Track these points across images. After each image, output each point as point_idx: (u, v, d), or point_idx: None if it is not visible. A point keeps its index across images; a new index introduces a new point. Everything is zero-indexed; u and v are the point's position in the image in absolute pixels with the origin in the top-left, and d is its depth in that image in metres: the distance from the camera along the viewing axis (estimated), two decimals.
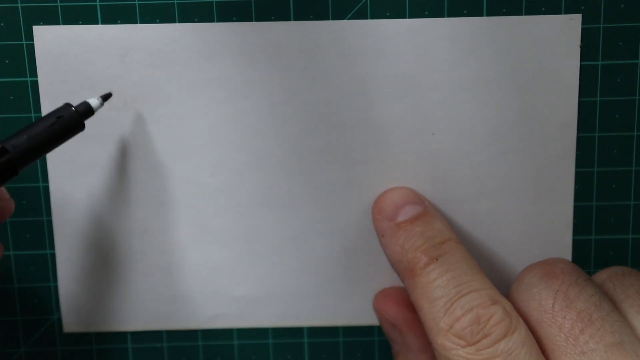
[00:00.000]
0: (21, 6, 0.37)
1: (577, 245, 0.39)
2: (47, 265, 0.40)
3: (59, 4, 0.37)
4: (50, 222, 0.39)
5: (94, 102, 0.35)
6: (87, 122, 0.35)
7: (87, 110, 0.35)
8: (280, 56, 0.37)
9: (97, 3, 0.37)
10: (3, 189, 0.36)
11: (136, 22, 0.37)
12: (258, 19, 0.37)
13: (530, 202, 0.38)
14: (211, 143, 0.38)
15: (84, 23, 0.37)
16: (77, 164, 0.38)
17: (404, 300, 0.39)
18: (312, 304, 0.40)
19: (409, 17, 0.37)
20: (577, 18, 0.37)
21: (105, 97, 0.36)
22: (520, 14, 0.37)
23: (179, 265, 0.40)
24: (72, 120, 0.34)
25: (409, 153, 0.38)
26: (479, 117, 0.37)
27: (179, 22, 0.37)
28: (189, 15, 0.37)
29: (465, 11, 0.37)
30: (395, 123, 0.38)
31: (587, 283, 0.34)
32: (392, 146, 0.38)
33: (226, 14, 0.37)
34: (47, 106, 0.37)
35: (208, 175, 0.38)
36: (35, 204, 0.39)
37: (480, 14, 0.37)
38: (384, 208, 0.37)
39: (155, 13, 0.37)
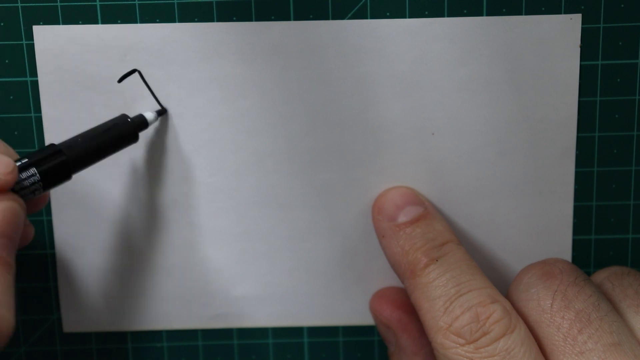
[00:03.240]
0: (21, 6, 0.37)
1: (576, 245, 0.39)
2: (47, 265, 0.40)
3: (59, 4, 0.37)
4: (50, 223, 0.39)
5: (149, 115, 0.36)
6: (85, 122, 0.35)
7: (141, 123, 0.36)
8: (280, 56, 0.37)
9: (97, 3, 0.37)
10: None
11: (136, 22, 0.37)
12: (258, 19, 0.37)
13: (530, 201, 0.38)
14: (211, 143, 0.38)
15: (84, 23, 0.37)
16: None
17: (399, 301, 0.39)
18: (312, 304, 0.40)
19: (409, 17, 0.37)
20: (577, 18, 0.37)
21: (160, 112, 0.37)
22: (520, 13, 0.37)
23: (179, 265, 0.40)
24: (127, 131, 0.35)
25: (408, 153, 0.38)
26: (479, 116, 0.37)
27: (179, 22, 0.37)
28: (189, 15, 0.37)
29: (465, 11, 0.37)
30: (395, 123, 0.38)
31: (585, 283, 0.34)
32: (391, 146, 0.38)
33: (226, 14, 0.37)
34: (47, 106, 0.38)
35: (208, 175, 0.38)
36: None
37: (480, 14, 0.37)
38: (384, 208, 0.37)
39: (155, 13, 0.37)
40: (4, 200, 0.29)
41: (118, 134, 0.35)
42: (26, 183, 0.32)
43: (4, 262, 0.28)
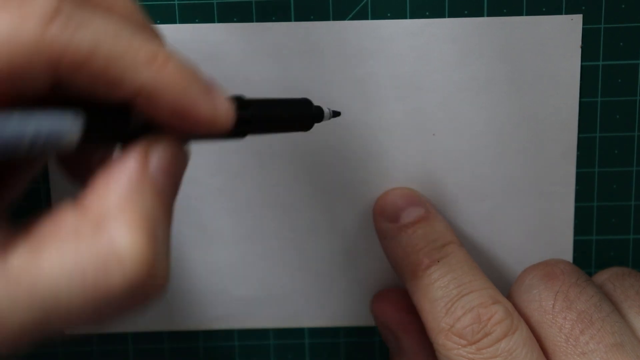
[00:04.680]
0: None
1: (578, 246, 0.39)
2: None
3: None
4: None
5: (326, 111, 0.34)
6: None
7: (319, 114, 0.34)
8: (281, 57, 0.37)
9: None
10: None
11: None
12: (259, 20, 0.37)
13: (531, 202, 0.38)
14: (211, 143, 0.38)
15: None
16: None
17: (400, 302, 0.38)
18: (313, 305, 0.40)
19: (410, 18, 0.37)
20: (577, 18, 0.37)
21: (336, 114, 0.35)
22: (520, 14, 0.37)
23: (179, 266, 0.40)
24: (307, 116, 0.33)
25: (409, 153, 0.38)
26: (480, 117, 0.37)
27: (180, 23, 0.37)
28: (189, 16, 0.37)
29: (465, 12, 0.37)
30: (396, 123, 0.38)
31: (587, 284, 0.34)
32: (392, 146, 0.38)
33: (227, 15, 0.37)
34: None
35: (208, 176, 0.38)
36: (36, 204, 0.39)
37: (480, 15, 0.37)
38: (386, 209, 0.37)
39: (155, 14, 0.37)
40: (174, 141, 0.27)
41: (300, 114, 0.33)
42: None
43: (166, 208, 0.26)
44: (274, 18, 0.37)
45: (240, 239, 0.39)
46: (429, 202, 0.38)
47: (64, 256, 0.24)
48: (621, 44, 0.37)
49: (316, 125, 0.38)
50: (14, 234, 0.25)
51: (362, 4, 0.37)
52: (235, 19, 0.37)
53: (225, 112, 0.27)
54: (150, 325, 0.40)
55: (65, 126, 0.25)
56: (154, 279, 0.25)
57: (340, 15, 0.37)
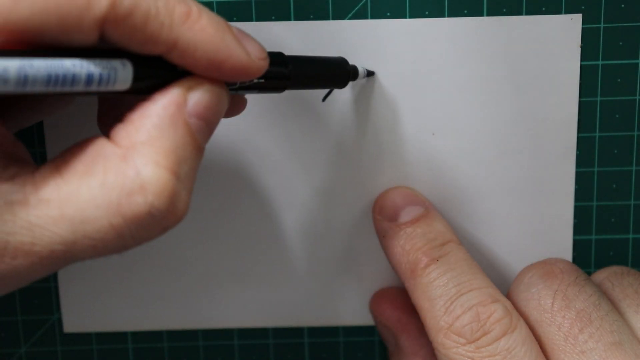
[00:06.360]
0: None
1: (577, 245, 0.39)
2: None
3: None
4: None
5: (361, 70, 0.36)
6: (87, 121, 0.35)
7: (355, 72, 0.36)
8: None
9: None
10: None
11: None
12: (258, 19, 0.37)
13: (531, 202, 0.38)
14: (211, 143, 0.38)
15: None
16: None
17: (398, 302, 0.38)
18: (312, 304, 0.40)
19: (409, 17, 0.37)
20: (577, 18, 0.37)
21: (370, 73, 0.37)
22: (520, 14, 0.37)
23: (179, 265, 0.40)
24: (344, 73, 0.35)
25: (408, 153, 0.38)
26: (479, 117, 0.37)
27: None
28: None
29: (465, 11, 0.37)
30: (396, 123, 0.38)
31: (586, 283, 0.34)
32: (392, 146, 0.38)
33: (226, 14, 0.37)
34: None
35: (208, 176, 0.38)
36: None
37: (480, 14, 0.37)
38: (385, 208, 0.37)
39: None
40: (214, 85, 0.28)
41: (337, 71, 0.35)
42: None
43: (196, 146, 0.27)
44: (273, 17, 0.37)
45: (239, 238, 0.39)
46: (428, 201, 0.38)
47: (93, 182, 0.25)
48: (620, 43, 0.37)
49: (315, 124, 0.38)
50: (43, 167, 0.26)
51: (361, 3, 0.37)
52: (234, 18, 0.37)
53: (258, 57, 0.28)
54: (150, 324, 0.40)
55: (118, 70, 0.26)
56: (173, 210, 0.26)
57: (339, 15, 0.37)
